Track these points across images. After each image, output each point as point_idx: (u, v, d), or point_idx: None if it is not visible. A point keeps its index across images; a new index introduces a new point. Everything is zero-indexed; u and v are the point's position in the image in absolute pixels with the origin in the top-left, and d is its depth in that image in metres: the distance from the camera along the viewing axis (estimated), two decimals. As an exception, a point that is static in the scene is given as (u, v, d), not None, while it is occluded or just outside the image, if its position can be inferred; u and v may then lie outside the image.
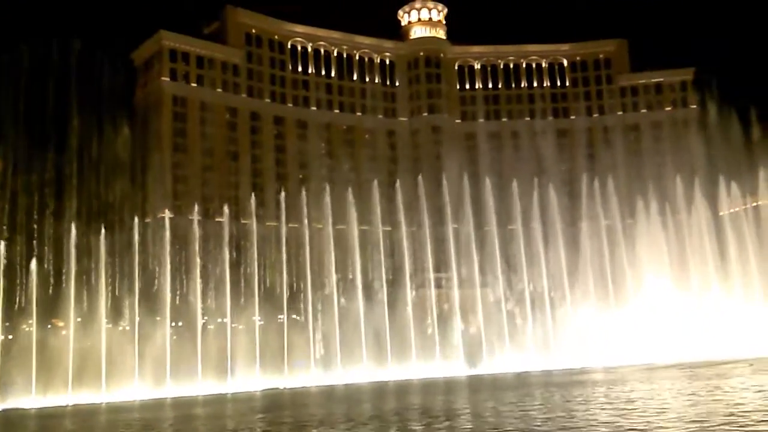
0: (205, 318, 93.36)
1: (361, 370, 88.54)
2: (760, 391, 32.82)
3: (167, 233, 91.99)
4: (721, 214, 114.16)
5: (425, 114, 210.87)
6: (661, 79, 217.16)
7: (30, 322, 78.38)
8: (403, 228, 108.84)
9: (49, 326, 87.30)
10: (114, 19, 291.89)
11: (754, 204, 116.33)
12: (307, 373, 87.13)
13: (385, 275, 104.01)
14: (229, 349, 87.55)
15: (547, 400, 34.48)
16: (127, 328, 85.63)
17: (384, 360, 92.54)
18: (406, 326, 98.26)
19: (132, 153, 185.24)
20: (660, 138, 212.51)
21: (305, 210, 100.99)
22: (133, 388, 75.67)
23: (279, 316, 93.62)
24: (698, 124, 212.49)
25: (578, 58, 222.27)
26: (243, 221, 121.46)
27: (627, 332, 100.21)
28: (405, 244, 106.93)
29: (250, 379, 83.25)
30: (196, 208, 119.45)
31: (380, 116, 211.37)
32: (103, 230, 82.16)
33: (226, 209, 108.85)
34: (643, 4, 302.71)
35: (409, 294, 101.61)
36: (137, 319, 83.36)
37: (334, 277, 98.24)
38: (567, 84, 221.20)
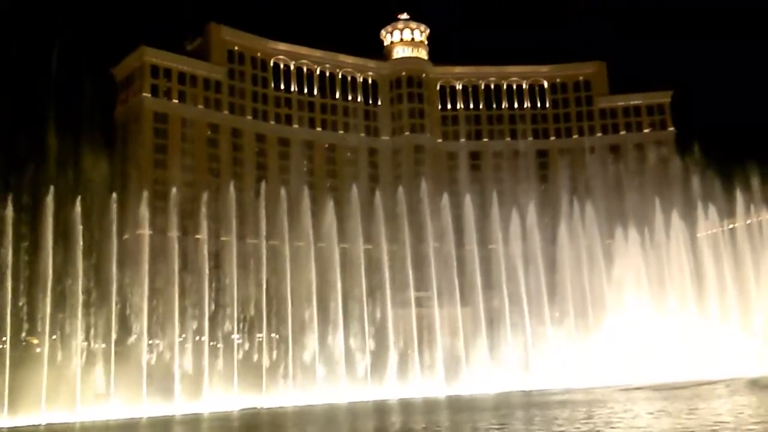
0: (183, 336, 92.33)
1: (339, 390, 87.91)
2: (739, 414, 33.01)
3: (146, 250, 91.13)
4: (698, 235, 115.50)
5: (407, 133, 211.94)
6: (640, 102, 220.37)
7: (3, 339, 77.09)
8: (384, 246, 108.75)
9: (24, 344, 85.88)
10: (96, 33, 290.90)
11: (731, 226, 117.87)
12: (284, 393, 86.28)
13: (365, 293, 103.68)
14: (207, 367, 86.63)
15: (529, 421, 34.43)
16: (103, 346, 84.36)
17: (365, 379, 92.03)
18: (386, 345, 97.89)
19: (111, 169, 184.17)
20: (639, 159, 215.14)
21: (286, 228, 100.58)
22: (108, 407, 74.46)
23: (258, 335, 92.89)
24: (676, 146, 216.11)
25: (558, 80, 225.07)
26: (223, 238, 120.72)
27: (605, 353, 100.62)
28: (385, 262, 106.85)
29: (227, 398, 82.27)
30: (176, 224, 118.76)
31: (362, 135, 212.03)
32: (80, 246, 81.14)
33: (205, 226, 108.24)
34: (621, 28, 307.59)
35: (389, 312, 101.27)
36: (113, 337, 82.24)
37: (314, 295, 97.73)
38: (547, 105, 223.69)
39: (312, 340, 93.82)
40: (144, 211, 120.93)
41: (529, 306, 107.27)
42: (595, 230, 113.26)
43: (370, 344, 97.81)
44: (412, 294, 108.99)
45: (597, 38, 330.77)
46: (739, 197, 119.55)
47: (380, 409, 60.82)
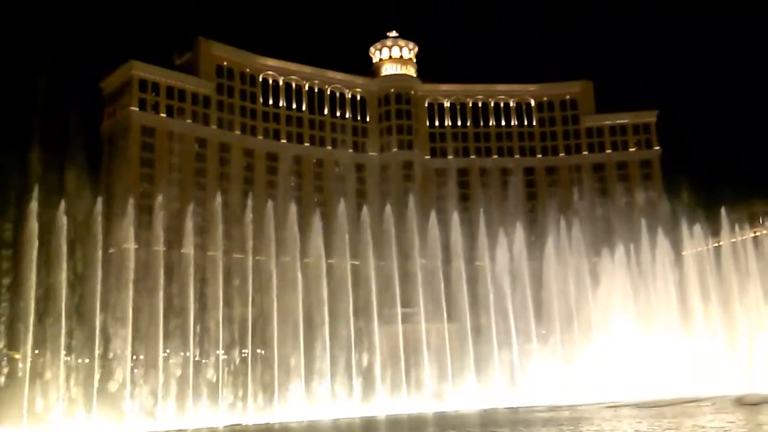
0: (167, 351, 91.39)
1: (326, 406, 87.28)
2: (726, 431, 32.99)
3: (131, 264, 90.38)
4: (684, 253, 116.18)
5: (395, 149, 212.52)
6: (626, 121, 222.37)
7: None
8: (371, 262, 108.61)
9: (5, 358, 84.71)
10: (84, 47, 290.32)
11: (716, 244, 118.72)
12: (270, 409, 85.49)
13: (352, 309, 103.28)
14: (191, 383, 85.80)
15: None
16: (87, 361, 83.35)
17: (350, 396, 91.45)
18: (373, 361, 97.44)
19: (97, 182, 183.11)
20: (624, 178, 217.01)
21: (273, 243, 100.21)
22: (91, 422, 73.47)
23: (243, 351, 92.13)
24: (662, 165, 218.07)
25: (545, 99, 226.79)
26: (209, 253, 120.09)
27: (591, 370, 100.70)
28: (372, 278, 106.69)
29: (212, 413, 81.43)
30: (161, 239, 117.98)
31: (350, 150, 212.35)
32: (65, 260, 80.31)
33: (191, 240, 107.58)
34: (608, 48, 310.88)
35: (376, 329, 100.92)
36: (97, 351, 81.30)
37: (300, 311, 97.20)
38: (534, 124, 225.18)
39: (298, 356, 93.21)
40: (129, 225, 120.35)
41: (516, 323, 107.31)
42: (581, 248, 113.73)
43: (357, 360, 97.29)
44: (399, 310, 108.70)
45: (584, 57, 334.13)
46: (724, 215, 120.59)
47: (367, 426, 60.40)
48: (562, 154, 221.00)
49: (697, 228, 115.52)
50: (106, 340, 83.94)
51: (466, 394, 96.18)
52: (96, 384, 78.59)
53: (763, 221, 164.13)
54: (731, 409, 50.29)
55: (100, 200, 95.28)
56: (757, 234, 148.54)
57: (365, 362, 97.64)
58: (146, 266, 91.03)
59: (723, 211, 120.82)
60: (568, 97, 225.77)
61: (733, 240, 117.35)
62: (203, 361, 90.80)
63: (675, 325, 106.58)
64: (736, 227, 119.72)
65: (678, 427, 35.26)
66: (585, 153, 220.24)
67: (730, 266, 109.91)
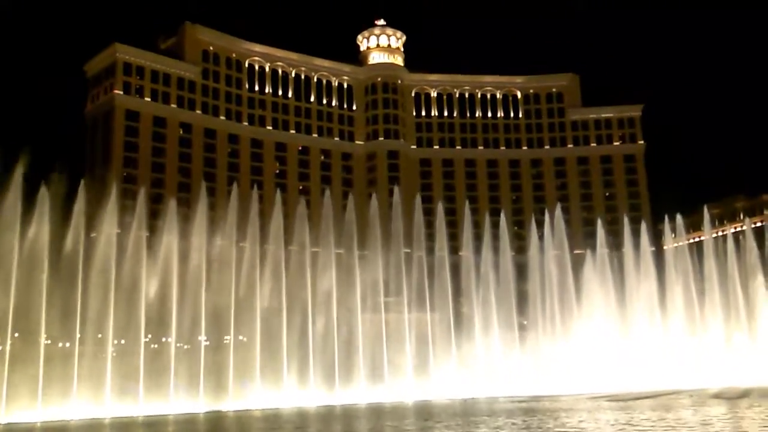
0: (148, 336, 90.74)
1: (308, 394, 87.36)
2: (707, 424, 33.38)
3: (113, 249, 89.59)
4: (665, 247, 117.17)
5: (381, 138, 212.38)
6: (611, 115, 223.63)
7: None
8: (356, 251, 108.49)
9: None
10: (69, 29, 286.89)
11: (697, 239, 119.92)
12: (253, 395, 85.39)
13: (335, 298, 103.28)
14: (173, 369, 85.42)
15: (498, 429, 34.45)
16: (68, 345, 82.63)
17: (332, 383, 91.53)
18: (356, 350, 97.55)
19: (80, 165, 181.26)
20: (608, 171, 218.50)
21: (257, 230, 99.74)
22: (70, 407, 72.99)
23: (225, 337, 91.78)
24: (645, 160, 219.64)
25: (531, 91, 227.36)
26: (192, 239, 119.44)
27: (571, 361, 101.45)
28: (357, 267, 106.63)
29: (193, 400, 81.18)
30: (144, 223, 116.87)
31: (336, 138, 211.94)
32: (46, 243, 79.47)
33: (175, 226, 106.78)
34: (595, 42, 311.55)
35: (360, 317, 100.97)
36: (77, 336, 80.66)
37: (284, 299, 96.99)
38: (520, 116, 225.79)
39: (280, 343, 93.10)
40: (112, 209, 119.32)
41: (498, 313, 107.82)
42: (564, 240, 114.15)
43: (339, 348, 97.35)
44: (382, 299, 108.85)
45: (571, 50, 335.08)
46: (706, 211, 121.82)
47: (348, 414, 60.66)
48: (547, 147, 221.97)
49: (679, 222, 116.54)
50: (88, 325, 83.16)
51: (448, 384, 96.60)
52: (76, 369, 78.03)
53: (743, 217, 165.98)
54: (710, 402, 50.95)
55: (83, 183, 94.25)
56: (737, 230, 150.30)
57: (347, 350, 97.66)
58: (129, 251, 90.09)
59: (705, 208, 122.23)
60: (554, 89, 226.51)
61: (714, 235, 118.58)
62: (185, 347, 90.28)
63: (655, 319, 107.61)
64: (716, 222, 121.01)
65: (662, 419, 35.65)
66: (570, 146, 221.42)
67: (711, 261, 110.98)
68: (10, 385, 72.09)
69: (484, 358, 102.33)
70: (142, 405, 77.00)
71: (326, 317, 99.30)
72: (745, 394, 62.24)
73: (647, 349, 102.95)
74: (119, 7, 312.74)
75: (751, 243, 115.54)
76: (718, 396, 57.84)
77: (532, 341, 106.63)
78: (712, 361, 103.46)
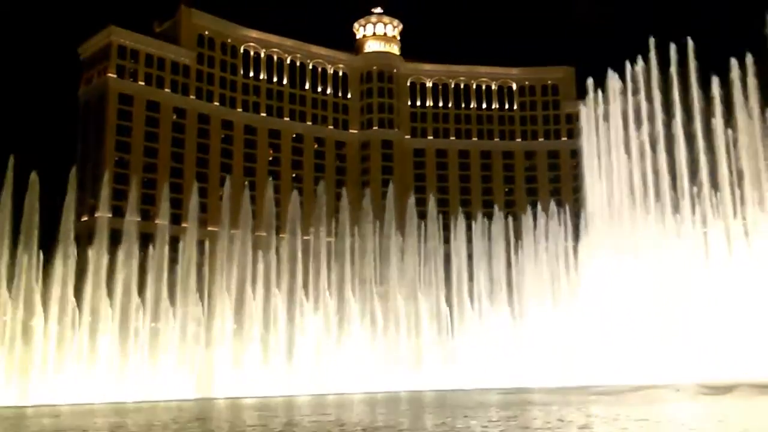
0: (139, 320, 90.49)
1: (301, 382, 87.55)
2: (722, 421, 33.47)
3: (104, 232, 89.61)
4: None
5: (376, 128, 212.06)
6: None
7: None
8: (347, 239, 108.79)
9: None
10: (64, 10, 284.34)
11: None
12: (244, 383, 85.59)
13: (327, 286, 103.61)
14: (161, 353, 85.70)
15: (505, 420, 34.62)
16: (59, 327, 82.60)
17: (326, 372, 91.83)
18: (349, 338, 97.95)
19: (72, 148, 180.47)
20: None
21: (250, 217, 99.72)
22: (66, 389, 73.19)
23: (216, 324, 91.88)
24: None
25: (527, 83, 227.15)
26: (184, 225, 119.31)
27: (556, 353, 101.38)
28: (348, 255, 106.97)
29: (184, 386, 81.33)
30: (136, 208, 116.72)
31: (330, 127, 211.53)
32: (36, 225, 79.33)
33: (167, 211, 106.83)
34: (591, 35, 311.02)
35: (353, 305, 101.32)
36: (69, 319, 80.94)
37: (276, 287, 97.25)
38: (515, 107, 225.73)
39: (274, 332, 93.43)
40: (105, 193, 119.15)
41: (489, 304, 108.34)
42: (558, 232, 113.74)
43: (331, 337, 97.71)
44: (374, 287, 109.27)
45: (567, 43, 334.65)
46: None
47: (342, 403, 60.93)
48: (541, 139, 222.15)
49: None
50: (81, 308, 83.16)
51: (439, 373, 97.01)
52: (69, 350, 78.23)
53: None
54: (692, 396, 51.30)
55: (75, 166, 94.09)
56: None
57: (339, 339, 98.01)
58: (120, 235, 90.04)
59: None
60: (549, 82, 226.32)
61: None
62: (164, 331, 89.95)
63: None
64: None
65: (646, 415, 35.86)
66: (564, 139, 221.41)
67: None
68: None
69: (473, 349, 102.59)
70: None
71: (322, 305, 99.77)
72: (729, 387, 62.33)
73: (623, 341, 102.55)
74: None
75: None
76: (697, 390, 57.94)
77: (523, 332, 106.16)
78: (693, 353, 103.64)
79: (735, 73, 73.75)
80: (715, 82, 74.22)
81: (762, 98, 73.59)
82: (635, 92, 78.68)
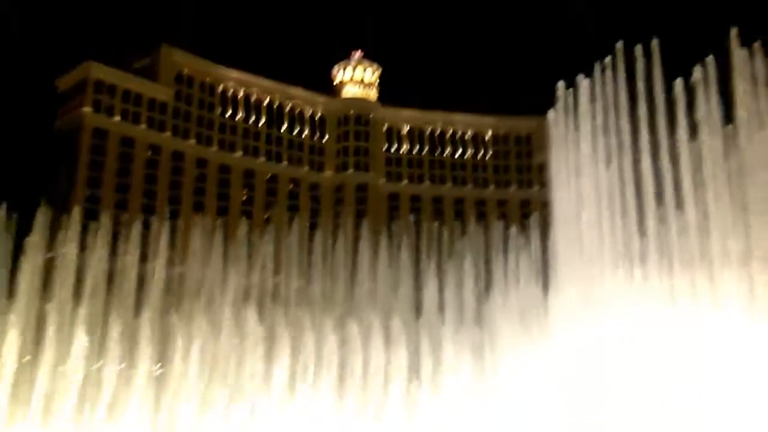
0: (101, 362, 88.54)
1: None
2: None
3: (72, 270, 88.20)
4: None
5: (351, 171, 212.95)
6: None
7: None
8: (317, 283, 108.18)
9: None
10: (44, 43, 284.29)
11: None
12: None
13: (293, 329, 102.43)
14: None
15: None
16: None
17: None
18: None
19: (44, 182, 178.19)
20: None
21: (221, 258, 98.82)
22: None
23: (184, 367, 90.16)
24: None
25: (501, 132, 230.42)
26: (151, 264, 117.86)
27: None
28: (317, 298, 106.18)
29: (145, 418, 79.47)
30: (105, 245, 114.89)
31: (306, 168, 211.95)
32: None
33: (136, 249, 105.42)
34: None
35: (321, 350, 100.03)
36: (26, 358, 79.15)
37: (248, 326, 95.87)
38: (488, 155, 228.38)
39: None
40: (74, 229, 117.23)
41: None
42: (529, 279, 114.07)
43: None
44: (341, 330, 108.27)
45: (541, 93, 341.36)
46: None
47: None
48: (513, 188, 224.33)
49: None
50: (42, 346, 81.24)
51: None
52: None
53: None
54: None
55: (46, 201, 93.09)
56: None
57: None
58: (88, 273, 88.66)
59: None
60: (523, 132, 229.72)
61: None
62: (131, 372, 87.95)
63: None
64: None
65: None
66: (536, 188, 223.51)
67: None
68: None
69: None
70: None
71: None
72: None
73: None
74: (95, 25, 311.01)
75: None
76: None
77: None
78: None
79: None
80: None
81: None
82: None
